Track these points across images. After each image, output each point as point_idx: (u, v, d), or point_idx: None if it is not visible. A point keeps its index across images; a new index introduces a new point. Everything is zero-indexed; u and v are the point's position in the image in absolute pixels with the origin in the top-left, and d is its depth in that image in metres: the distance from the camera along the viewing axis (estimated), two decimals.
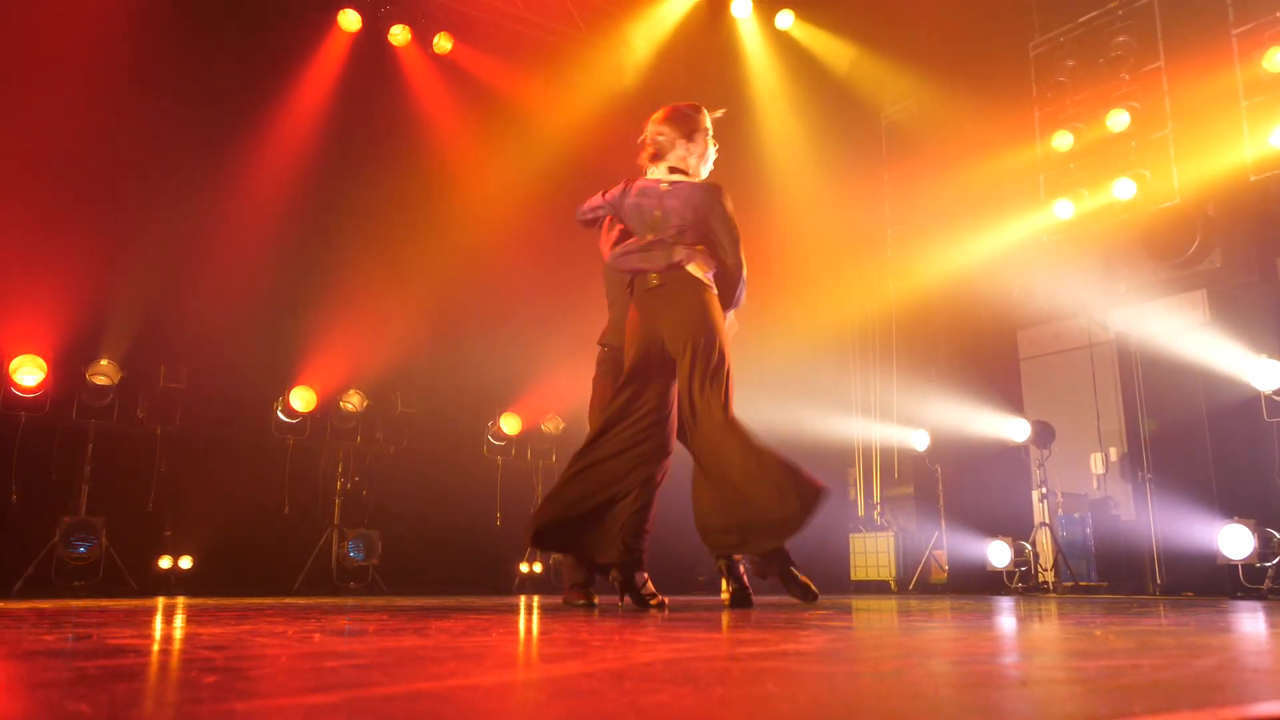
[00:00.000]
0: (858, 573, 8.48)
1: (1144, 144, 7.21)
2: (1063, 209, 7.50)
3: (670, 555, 8.48)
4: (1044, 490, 6.96)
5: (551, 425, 8.00)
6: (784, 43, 9.31)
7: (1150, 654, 1.45)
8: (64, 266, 6.12)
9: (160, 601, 4.17)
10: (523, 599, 5.08)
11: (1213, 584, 5.94)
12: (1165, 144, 7.06)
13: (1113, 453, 7.21)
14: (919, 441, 8.38)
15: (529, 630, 2.18)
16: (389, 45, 8.12)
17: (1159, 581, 6.54)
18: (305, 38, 7.69)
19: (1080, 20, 7.76)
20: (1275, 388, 5.81)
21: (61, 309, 6.15)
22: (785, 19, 9.19)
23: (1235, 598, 5.53)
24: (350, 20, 7.86)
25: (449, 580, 7.17)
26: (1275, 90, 6.51)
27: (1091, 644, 1.69)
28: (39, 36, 6.22)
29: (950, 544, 7.92)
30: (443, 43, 8.24)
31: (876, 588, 8.16)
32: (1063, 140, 7.61)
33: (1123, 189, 7.11)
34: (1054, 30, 7.98)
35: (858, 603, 4.52)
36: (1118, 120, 7.33)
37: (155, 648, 1.60)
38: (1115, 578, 6.77)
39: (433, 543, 7.36)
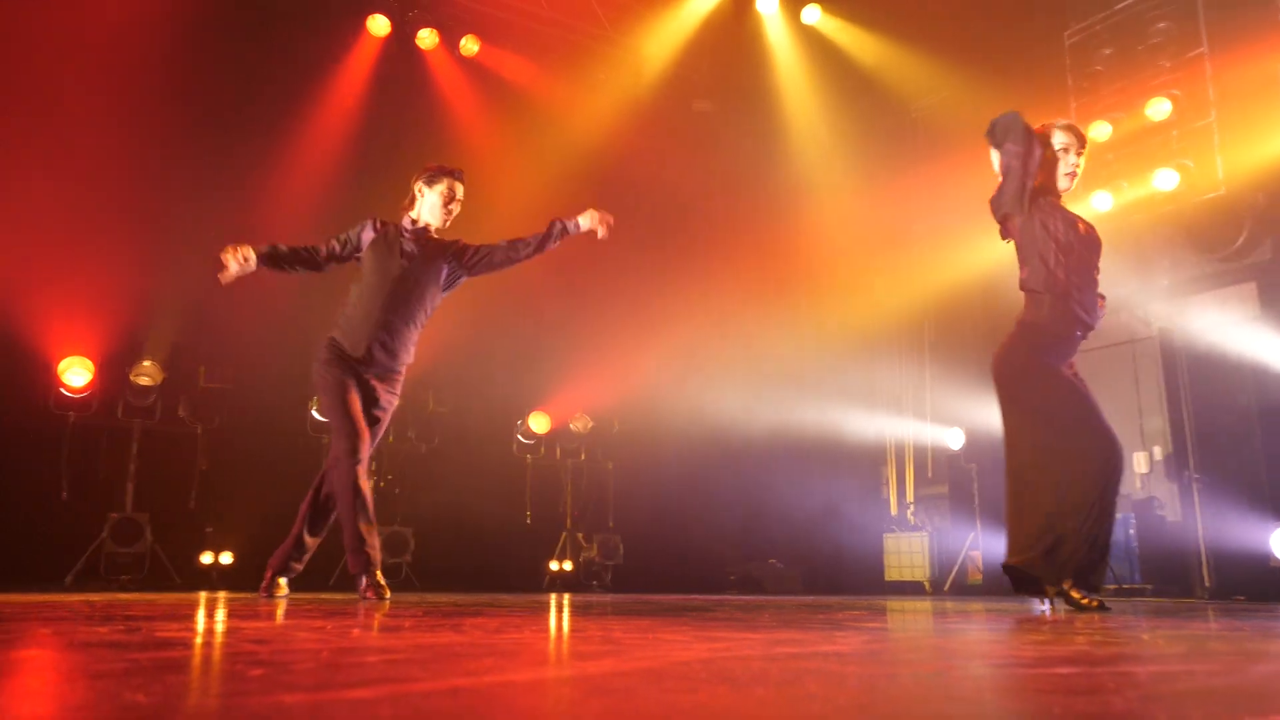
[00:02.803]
0: (891, 573, 8.42)
1: (1186, 133, 7.00)
2: (1101, 201, 7.35)
3: (702, 555, 8.49)
4: None
5: (580, 424, 8.02)
6: (810, 38, 9.21)
7: (1204, 659, 1.41)
8: (108, 271, 6.25)
9: (203, 596, 4.25)
10: (553, 596, 5.10)
11: (1265, 588, 5.81)
12: (1209, 132, 6.85)
13: (1157, 451, 7.08)
14: (953, 440, 8.29)
15: (561, 628, 2.19)
16: (417, 49, 8.18)
17: (1207, 585, 6.39)
18: (336, 43, 7.79)
19: (1118, 7, 7.57)
20: None
21: (107, 312, 6.28)
22: (812, 13, 9.10)
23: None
24: (379, 25, 7.93)
25: (480, 577, 7.22)
26: None
27: (1140, 648, 1.66)
28: (83, 48, 6.34)
29: (986, 545, 7.83)
30: (469, 45, 8.29)
31: (911, 589, 8.10)
32: (1100, 130, 7.44)
33: (1164, 179, 6.88)
34: (1090, 18, 7.80)
35: (892, 604, 4.49)
36: (1158, 109, 7.13)
37: (202, 641, 1.63)
38: (1160, 580, 6.63)
39: (464, 540, 7.42)
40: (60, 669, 1.23)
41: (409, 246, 4.20)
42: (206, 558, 6.45)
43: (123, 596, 3.97)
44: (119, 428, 6.35)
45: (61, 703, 0.90)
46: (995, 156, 3.82)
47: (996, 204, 3.84)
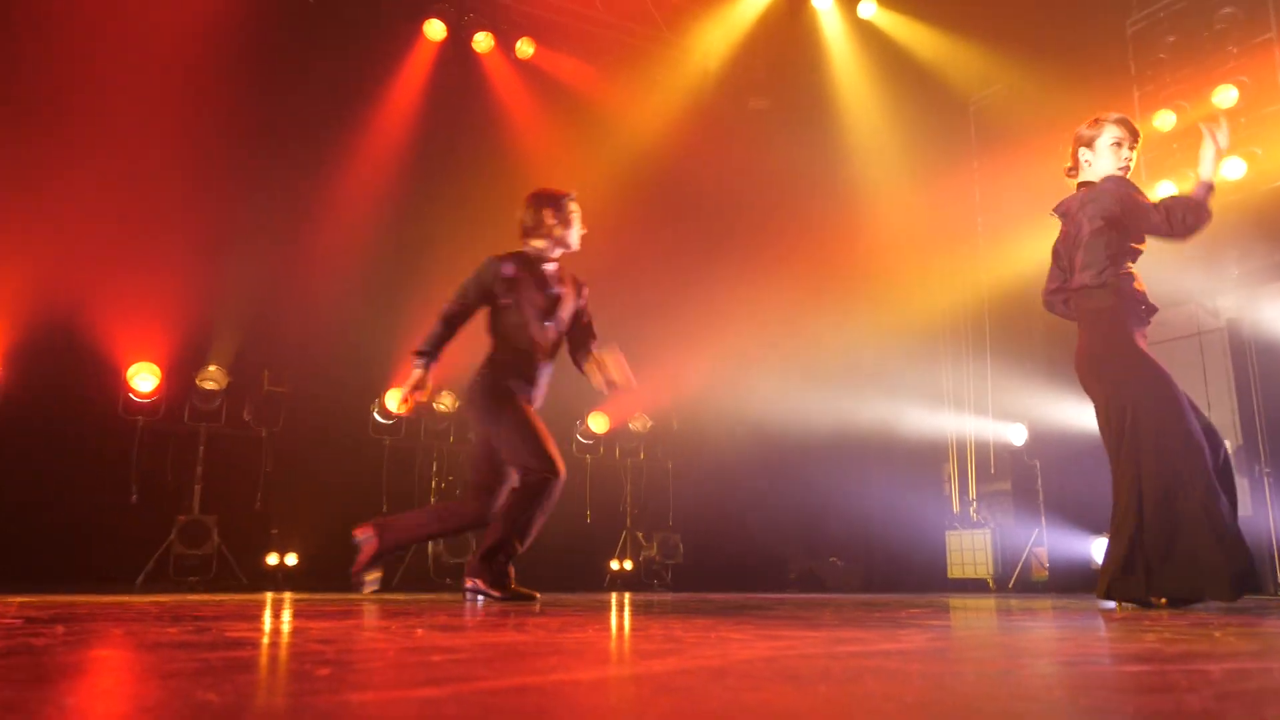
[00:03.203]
0: (954, 570, 8.30)
1: (1255, 120, 6.83)
2: (1165, 190, 7.17)
3: (762, 553, 8.45)
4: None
5: (639, 424, 8.03)
6: (866, 32, 9.12)
7: (1278, 658, 1.37)
8: (175, 279, 6.41)
9: (269, 596, 4.33)
10: (614, 595, 5.11)
11: None
12: (1278, 119, 6.68)
13: (1227, 445, 6.87)
14: (1016, 436, 8.14)
15: (623, 626, 2.20)
16: (473, 52, 8.27)
17: None
18: (394, 48, 7.91)
19: None
20: None
21: (173, 319, 6.44)
22: (868, 8, 9.01)
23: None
24: (436, 29, 8.03)
25: (541, 576, 7.24)
26: None
27: (1212, 645, 1.62)
28: (149, 60, 6.49)
29: (1051, 541, 7.67)
30: (525, 48, 8.35)
31: (974, 586, 7.96)
32: (1165, 120, 7.26)
33: (1232, 168, 6.74)
34: (1153, 5, 7.63)
35: (955, 601, 4.42)
36: (1225, 96, 6.96)
37: (269, 641, 1.67)
38: None
39: None
40: (133, 669, 1.26)
41: (554, 287, 4.24)
42: (272, 559, 6.58)
43: (191, 597, 4.06)
44: (186, 432, 6.51)
45: (137, 703, 0.92)
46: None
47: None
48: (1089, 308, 3.78)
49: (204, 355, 6.55)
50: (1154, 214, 3.64)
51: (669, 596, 5.07)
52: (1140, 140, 3.90)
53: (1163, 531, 3.40)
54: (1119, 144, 3.80)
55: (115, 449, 6.28)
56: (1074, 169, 3.98)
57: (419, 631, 1.91)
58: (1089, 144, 3.87)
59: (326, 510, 6.78)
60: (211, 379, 6.48)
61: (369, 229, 7.24)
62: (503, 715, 0.80)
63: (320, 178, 7.17)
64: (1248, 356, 6.67)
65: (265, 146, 6.99)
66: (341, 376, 7.02)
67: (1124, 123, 3.83)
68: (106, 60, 6.33)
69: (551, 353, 4.21)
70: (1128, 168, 3.81)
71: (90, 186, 6.09)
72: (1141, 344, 3.72)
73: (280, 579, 6.53)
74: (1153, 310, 3.76)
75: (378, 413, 7.11)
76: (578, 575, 7.52)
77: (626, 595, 5.11)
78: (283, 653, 1.45)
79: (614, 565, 7.68)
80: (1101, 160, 3.83)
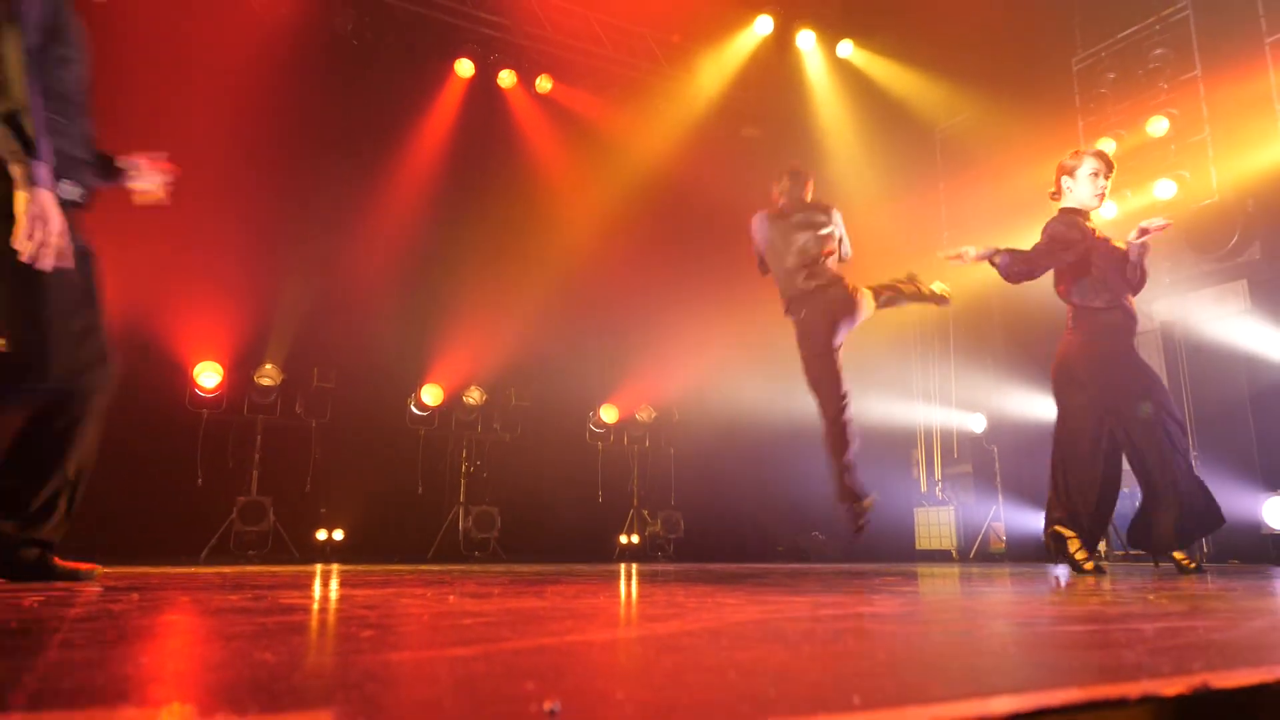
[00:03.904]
0: (921, 543, 8.30)
1: (1183, 147, 6.87)
2: (1108, 209, 7.17)
3: (754, 528, 8.44)
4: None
5: (644, 414, 8.03)
6: (845, 69, 9.14)
7: (1203, 616, 1.37)
8: (235, 286, 6.42)
9: (319, 568, 4.33)
10: (623, 566, 5.11)
11: (1257, 552, 5.65)
12: (1203, 146, 6.71)
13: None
14: (976, 424, 8.13)
15: (631, 594, 2.19)
16: (498, 87, 8.27)
17: (1205, 550, 6.21)
18: (429, 83, 7.92)
19: (1120, 36, 7.42)
20: None
21: (233, 322, 6.45)
22: (846, 48, 9.03)
23: (1279, 564, 5.24)
24: (465, 68, 8.04)
25: (558, 550, 7.28)
26: None
27: (1146, 607, 1.61)
28: (211, 80, 6.49)
29: (1007, 517, 7.67)
30: (543, 83, 8.35)
31: (940, 556, 7.96)
32: (1106, 146, 7.27)
33: (1163, 189, 6.79)
34: (1095, 46, 7.65)
35: (922, 570, 4.41)
36: (1158, 126, 7.00)
37: (319, 607, 1.66)
38: None
39: (544, 517, 7.48)
40: (199, 632, 1.26)
41: None
42: (321, 534, 6.60)
43: (250, 569, 4.07)
44: (245, 423, 6.52)
45: (203, 662, 0.92)
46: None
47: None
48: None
49: (261, 355, 6.57)
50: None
51: (671, 567, 5.06)
52: (1114, 171, 3.97)
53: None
54: (1096, 174, 3.90)
55: (183, 438, 6.30)
56: (1056, 193, 4.06)
57: (451, 598, 1.91)
58: (1070, 173, 3.96)
59: (368, 492, 6.80)
60: (268, 376, 6.49)
61: (405, 244, 7.24)
62: (524, 671, 0.80)
63: (363, 197, 7.18)
64: (1178, 355, 6.67)
65: (315, 169, 7.01)
66: (381, 374, 7.04)
67: (1101, 155, 3.92)
68: (175, 84, 6.34)
69: None
70: (1103, 194, 3.92)
71: (161, 207, 6.08)
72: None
73: (328, 552, 6.54)
74: None
75: (414, 405, 7.12)
76: (590, 548, 7.53)
77: (634, 566, 5.11)
78: (330, 618, 1.45)
79: (622, 539, 7.68)
80: (1081, 188, 3.91)
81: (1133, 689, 0.64)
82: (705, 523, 8.01)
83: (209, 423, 6.39)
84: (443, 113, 7.92)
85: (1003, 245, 3.97)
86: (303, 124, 6.97)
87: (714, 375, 8.14)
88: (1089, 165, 3.89)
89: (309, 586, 2.41)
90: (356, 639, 1.10)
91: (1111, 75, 7.46)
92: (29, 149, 2.11)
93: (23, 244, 2.13)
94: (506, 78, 8.26)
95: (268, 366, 6.51)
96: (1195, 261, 6.71)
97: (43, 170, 2.15)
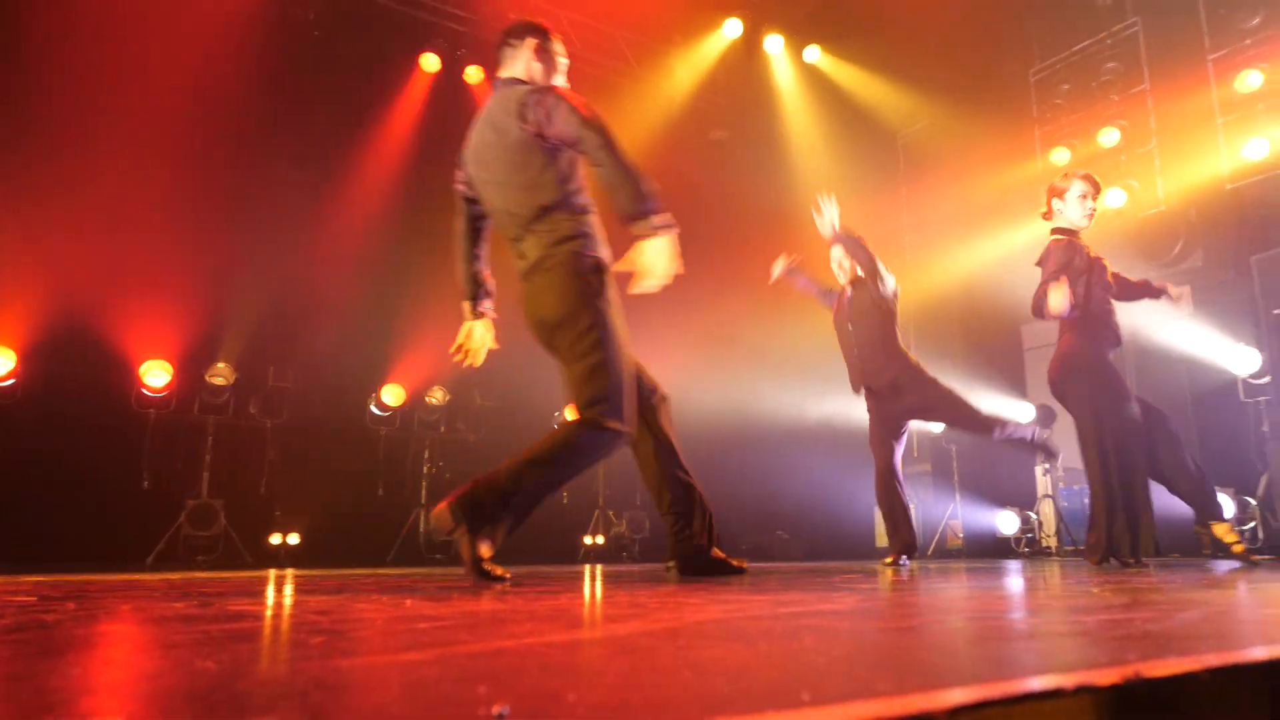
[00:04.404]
0: (881, 540, 8.39)
1: (1132, 158, 7.11)
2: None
3: (718, 527, 8.46)
4: (1047, 466, 6.83)
5: None
6: (812, 74, 9.24)
7: (1143, 608, 1.41)
8: (185, 281, 6.29)
9: (272, 573, 4.25)
10: (587, 568, 5.10)
11: (1197, 546, 5.83)
12: (1151, 157, 6.96)
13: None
14: (935, 425, 8.26)
15: (594, 595, 2.19)
16: (464, 84, 8.20)
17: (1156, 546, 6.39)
18: (394, 76, 7.84)
19: (1074, 49, 7.65)
20: (1251, 372, 5.76)
21: (184, 318, 6.32)
22: (812, 53, 9.13)
23: (1217, 558, 5.41)
24: (431, 62, 7.96)
25: (522, 551, 7.22)
26: (1247, 109, 6.43)
27: (1090, 600, 1.66)
28: (162, 70, 6.34)
29: (964, 514, 7.81)
30: None
31: None
32: (1060, 155, 7.51)
33: (1114, 198, 7.01)
34: (1051, 58, 7.87)
35: (883, 566, 4.47)
36: (1109, 137, 7.24)
37: (269, 613, 1.63)
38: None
39: None
40: (138, 641, 1.22)
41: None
42: (275, 539, 6.48)
43: (199, 575, 3.98)
44: (195, 423, 6.39)
45: (139, 671, 0.90)
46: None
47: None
48: None
49: (214, 353, 6.44)
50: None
51: (636, 567, 5.06)
52: (1101, 191, 4.24)
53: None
54: (1085, 196, 4.14)
55: (129, 440, 6.15)
56: (1048, 214, 4.25)
57: (408, 602, 1.88)
58: (1060, 195, 4.19)
59: (326, 494, 6.70)
60: (220, 375, 6.37)
61: (368, 241, 7.16)
62: (478, 675, 0.79)
63: (324, 193, 7.09)
64: (1126, 356, 6.86)
65: (272, 162, 6.89)
66: (341, 373, 6.94)
67: (1088, 178, 4.18)
68: (121, 76, 6.18)
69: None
70: (1092, 214, 4.18)
71: (108, 198, 5.95)
72: None
73: (283, 557, 6.43)
74: None
75: (375, 406, 7.04)
76: (554, 550, 7.50)
77: (598, 567, 5.10)
78: (280, 624, 1.42)
79: (587, 540, 7.66)
80: (1071, 209, 4.13)
81: (1069, 680, 0.66)
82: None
83: (157, 423, 6.24)
84: (407, 108, 7.83)
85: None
86: (262, 116, 6.86)
87: (680, 376, 8.16)
88: (1078, 188, 4.14)
89: (260, 593, 2.36)
90: (305, 645, 1.08)
91: (1066, 86, 7.67)
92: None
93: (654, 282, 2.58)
94: (474, 73, 8.19)
95: (220, 365, 6.39)
96: (1143, 268, 6.90)
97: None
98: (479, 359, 3.33)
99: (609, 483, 8.04)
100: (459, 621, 1.35)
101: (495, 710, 0.62)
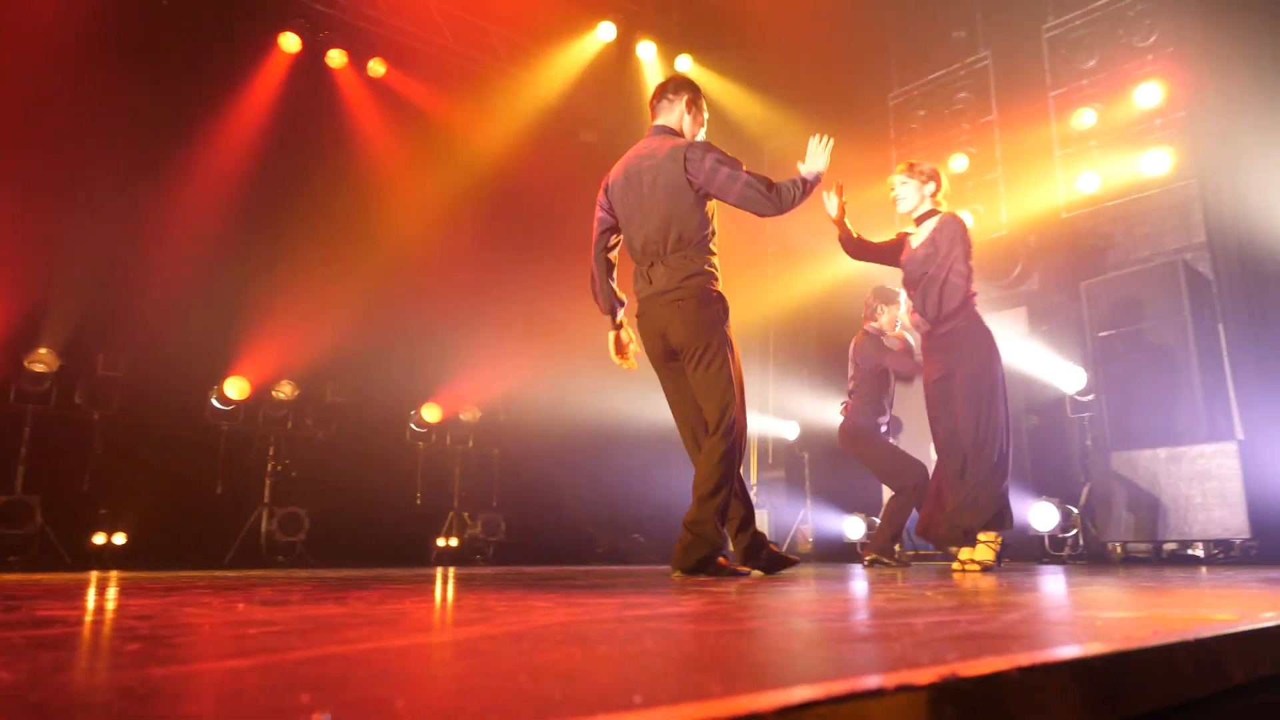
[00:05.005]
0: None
1: (979, 184, 7.58)
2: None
3: (574, 531, 8.47)
4: None
5: (469, 415, 7.89)
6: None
7: (969, 610, 1.51)
8: (3, 258, 5.74)
9: (94, 576, 3.94)
10: (439, 570, 4.99)
11: (1025, 551, 6.28)
12: (996, 184, 7.44)
13: None
14: (789, 431, 8.57)
15: (443, 599, 2.14)
16: (326, 68, 7.88)
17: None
18: (249, 56, 7.41)
19: (930, 77, 8.11)
20: (1077, 389, 6.22)
21: (1, 299, 5.76)
22: (684, 62, 9.29)
23: (1042, 562, 5.86)
24: (290, 43, 7.59)
25: (372, 554, 7.00)
26: (1082, 144, 6.97)
27: (923, 603, 1.75)
28: None
29: (815, 520, 8.12)
30: (376, 67, 8.04)
31: None
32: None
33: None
34: (909, 85, 8.31)
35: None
36: (958, 163, 7.69)
37: (83, 619, 1.51)
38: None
39: (358, 520, 7.17)
40: None
41: None
42: (99, 538, 6.00)
43: (8, 577, 3.65)
44: (11, 412, 5.83)
45: None
46: None
47: None
48: None
49: (34, 337, 5.89)
50: None
51: (489, 570, 4.99)
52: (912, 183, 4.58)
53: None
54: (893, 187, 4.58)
55: None
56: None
57: (241, 606, 1.79)
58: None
59: (159, 491, 6.26)
60: (41, 361, 5.83)
61: (216, 224, 6.75)
62: (304, 683, 0.76)
63: (167, 169, 6.63)
64: None
65: (112, 133, 6.39)
66: (180, 363, 6.51)
67: (907, 168, 4.56)
68: None
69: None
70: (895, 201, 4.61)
71: None
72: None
73: (107, 558, 5.96)
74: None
75: (217, 399, 6.63)
76: (406, 552, 7.30)
77: (450, 570, 5.00)
78: (94, 630, 1.32)
79: (440, 543, 7.50)
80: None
81: (891, 679, 0.69)
82: (526, 525, 7.97)
83: None
84: (263, 89, 7.43)
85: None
86: (100, 91, 6.35)
87: (542, 377, 8.12)
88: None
89: (78, 596, 2.18)
90: (119, 653, 1.01)
91: (922, 112, 8.14)
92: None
93: None
94: (336, 57, 7.88)
95: (42, 351, 5.85)
96: (984, 288, 7.40)
97: None
98: (635, 362, 3.74)
99: (464, 483, 7.91)
100: (292, 627, 1.29)
101: (315, 719, 0.60)
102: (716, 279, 3.42)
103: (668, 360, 3.48)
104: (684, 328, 3.32)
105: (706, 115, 3.71)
